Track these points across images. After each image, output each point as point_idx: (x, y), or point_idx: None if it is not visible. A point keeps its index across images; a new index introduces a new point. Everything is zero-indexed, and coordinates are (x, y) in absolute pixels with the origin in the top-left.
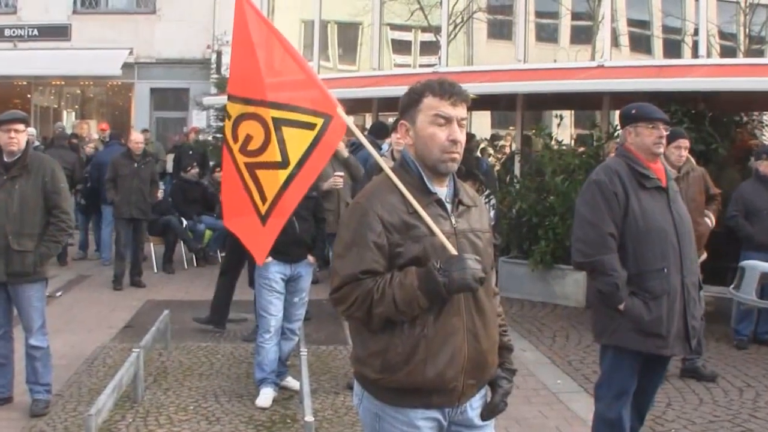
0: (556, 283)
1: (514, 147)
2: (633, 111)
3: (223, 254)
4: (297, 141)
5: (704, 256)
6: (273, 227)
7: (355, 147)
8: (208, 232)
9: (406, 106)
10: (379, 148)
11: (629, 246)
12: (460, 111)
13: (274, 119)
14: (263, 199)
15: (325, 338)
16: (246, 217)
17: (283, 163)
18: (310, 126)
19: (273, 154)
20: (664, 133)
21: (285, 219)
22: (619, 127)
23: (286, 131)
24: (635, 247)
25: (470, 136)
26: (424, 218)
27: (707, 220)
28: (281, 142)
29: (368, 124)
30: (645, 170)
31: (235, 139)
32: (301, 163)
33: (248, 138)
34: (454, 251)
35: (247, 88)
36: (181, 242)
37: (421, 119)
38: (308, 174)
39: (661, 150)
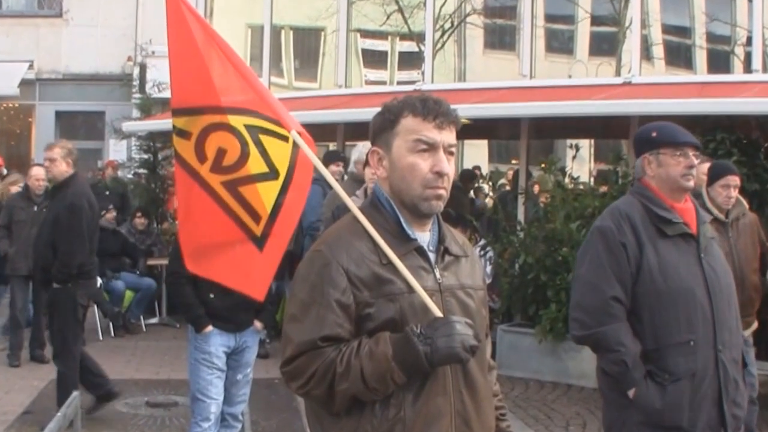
0: (570, 357)
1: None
2: (653, 134)
3: (153, 321)
4: (278, 150)
5: (755, 325)
6: (273, 251)
7: (315, 181)
8: (128, 294)
9: (380, 128)
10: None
11: (644, 313)
12: (448, 135)
13: (247, 126)
14: (256, 218)
15: (277, 426)
16: (228, 250)
17: (272, 174)
18: (284, 138)
19: (257, 164)
20: (695, 162)
21: (285, 242)
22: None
23: (265, 139)
24: (652, 314)
25: (470, 175)
26: (400, 271)
27: None
28: (263, 152)
29: None
30: (666, 212)
31: (203, 158)
32: (289, 176)
33: (221, 152)
34: (438, 312)
35: (202, 95)
36: (95, 306)
37: (398, 145)
38: (297, 194)
39: (691, 184)
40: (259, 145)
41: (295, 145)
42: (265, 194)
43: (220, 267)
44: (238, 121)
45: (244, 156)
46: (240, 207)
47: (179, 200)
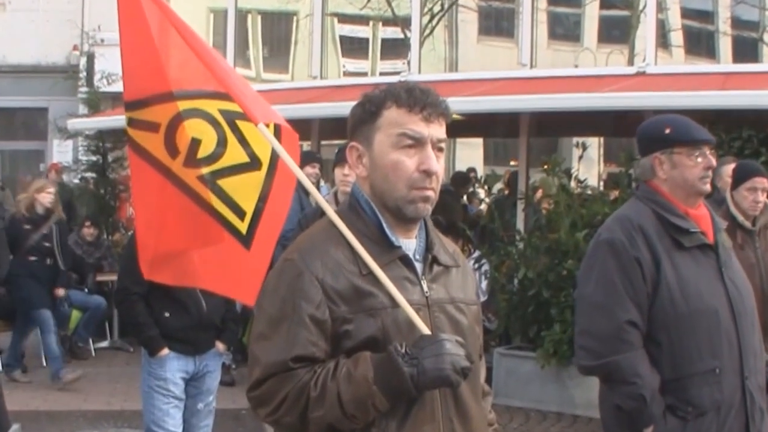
0: (576, 384)
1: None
2: (666, 130)
3: (103, 344)
4: (258, 136)
5: None
6: (262, 249)
7: None
8: (75, 314)
9: (359, 121)
10: None
11: (662, 338)
12: (437, 129)
13: (222, 111)
14: (240, 214)
15: None
16: (210, 252)
17: (254, 164)
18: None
19: (236, 154)
20: (714, 162)
21: (273, 241)
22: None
23: (243, 125)
24: (671, 339)
25: (464, 178)
26: (383, 283)
27: None
28: (242, 138)
29: None
30: (682, 221)
31: (174, 152)
32: (273, 166)
33: (195, 143)
34: (426, 330)
35: (157, 83)
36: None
37: (380, 140)
38: (283, 187)
39: (708, 188)
40: (236, 131)
41: (277, 130)
42: (248, 187)
43: (201, 272)
44: (211, 106)
45: (222, 145)
46: (221, 203)
47: (140, 201)
